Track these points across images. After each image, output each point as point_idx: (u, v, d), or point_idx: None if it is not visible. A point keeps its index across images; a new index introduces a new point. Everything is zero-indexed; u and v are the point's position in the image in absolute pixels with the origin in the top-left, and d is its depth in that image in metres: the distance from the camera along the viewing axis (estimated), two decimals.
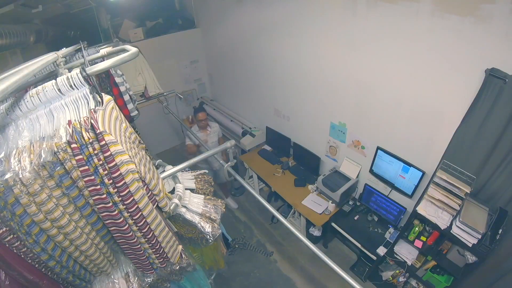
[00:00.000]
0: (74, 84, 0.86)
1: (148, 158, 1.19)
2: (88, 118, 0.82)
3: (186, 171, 1.55)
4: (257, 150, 3.98)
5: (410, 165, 2.40)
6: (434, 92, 2.03)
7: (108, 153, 0.84)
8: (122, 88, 1.99)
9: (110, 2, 3.77)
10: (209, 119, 3.74)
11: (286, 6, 2.85)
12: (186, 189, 1.34)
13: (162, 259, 1.15)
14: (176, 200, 1.18)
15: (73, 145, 0.80)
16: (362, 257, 2.98)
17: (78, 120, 0.83)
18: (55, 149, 0.80)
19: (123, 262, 1.25)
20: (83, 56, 1.41)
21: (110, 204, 0.91)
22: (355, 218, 2.93)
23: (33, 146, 0.82)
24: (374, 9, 2.15)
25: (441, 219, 1.96)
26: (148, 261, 1.13)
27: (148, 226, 1.02)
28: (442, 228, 1.94)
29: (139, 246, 1.06)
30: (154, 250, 1.10)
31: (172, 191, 1.27)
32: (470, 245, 1.82)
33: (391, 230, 2.71)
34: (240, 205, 4.02)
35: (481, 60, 1.71)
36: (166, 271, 1.24)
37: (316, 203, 3.03)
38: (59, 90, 0.85)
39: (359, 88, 2.55)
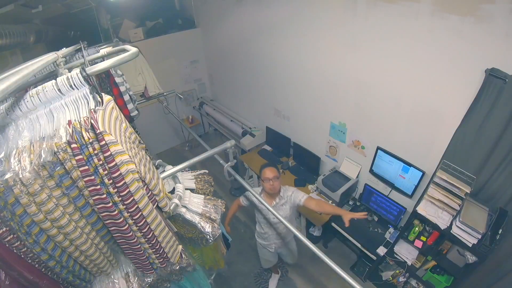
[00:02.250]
0: (74, 84, 0.86)
1: (148, 158, 1.18)
2: (88, 118, 0.82)
3: (186, 171, 1.55)
4: (257, 150, 3.98)
5: (410, 165, 2.40)
6: (434, 92, 2.03)
7: (108, 153, 0.84)
8: (122, 88, 1.99)
9: (110, 2, 3.77)
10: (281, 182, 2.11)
11: (286, 6, 2.85)
12: (186, 189, 1.34)
13: (162, 259, 1.15)
14: (176, 200, 1.18)
15: (73, 145, 0.80)
16: (362, 257, 2.98)
17: (78, 120, 0.82)
18: (55, 149, 0.80)
19: (123, 262, 1.25)
20: (83, 56, 1.42)
21: (110, 204, 0.91)
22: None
23: (33, 146, 0.82)
24: (374, 9, 2.15)
25: (441, 219, 1.96)
26: (148, 261, 1.13)
27: (148, 226, 1.02)
28: (442, 228, 1.94)
29: (139, 246, 1.06)
30: (154, 250, 1.10)
31: (172, 191, 1.27)
32: (470, 245, 1.82)
33: (391, 230, 2.71)
34: None
35: (481, 60, 1.71)
36: (166, 271, 1.23)
37: None
38: (59, 90, 0.85)
39: (359, 88, 2.55)
